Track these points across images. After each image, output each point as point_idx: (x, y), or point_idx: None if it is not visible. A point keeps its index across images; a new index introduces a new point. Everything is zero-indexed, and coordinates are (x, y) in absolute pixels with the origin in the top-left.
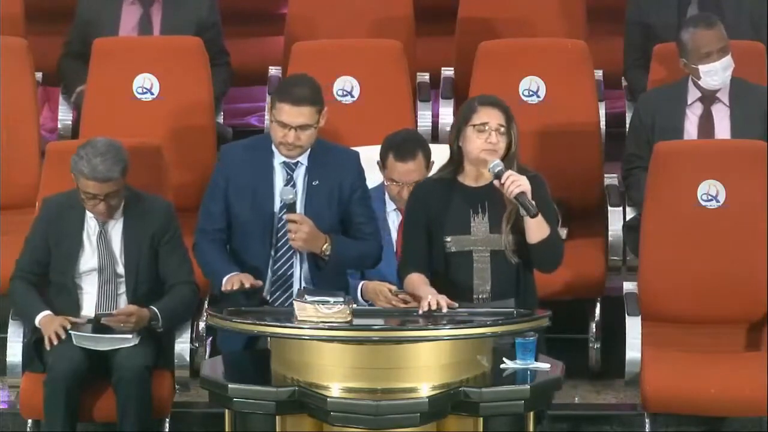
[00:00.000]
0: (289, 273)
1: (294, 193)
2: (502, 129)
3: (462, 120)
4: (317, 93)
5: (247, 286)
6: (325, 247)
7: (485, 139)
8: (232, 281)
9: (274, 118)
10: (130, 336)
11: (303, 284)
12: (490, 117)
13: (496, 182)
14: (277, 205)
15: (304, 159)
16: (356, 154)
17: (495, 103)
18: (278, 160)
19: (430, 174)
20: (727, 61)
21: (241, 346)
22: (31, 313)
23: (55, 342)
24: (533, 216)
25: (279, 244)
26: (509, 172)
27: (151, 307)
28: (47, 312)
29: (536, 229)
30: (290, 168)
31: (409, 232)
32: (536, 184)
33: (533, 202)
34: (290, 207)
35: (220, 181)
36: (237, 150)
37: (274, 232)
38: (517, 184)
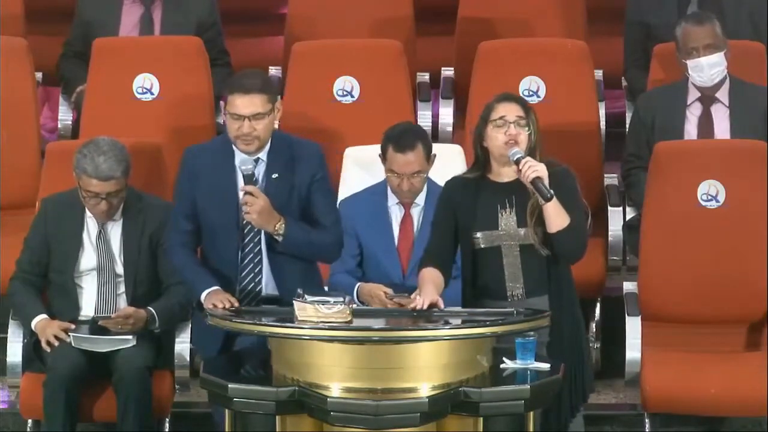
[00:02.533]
0: (257, 269)
1: (253, 164)
2: (522, 121)
3: (482, 121)
4: (268, 83)
5: (236, 305)
6: (278, 226)
7: (505, 132)
8: (220, 300)
9: (228, 112)
10: (128, 337)
11: (272, 282)
12: (507, 110)
13: (514, 168)
14: (238, 208)
15: (263, 155)
16: (317, 146)
17: (511, 98)
18: (239, 158)
19: (429, 169)
20: (715, 58)
21: (218, 349)
22: (28, 316)
23: (55, 343)
24: (547, 200)
25: (245, 241)
26: (527, 158)
27: (149, 308)
28: (43, 316)
29: (555, 217)
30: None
31: (435, 228)
32: (563, 175)
33: (549, 188)
34: (248, 179)
35: (185, 183)
36: (198, 152)
37: (240, 231)
38: (533, 169)
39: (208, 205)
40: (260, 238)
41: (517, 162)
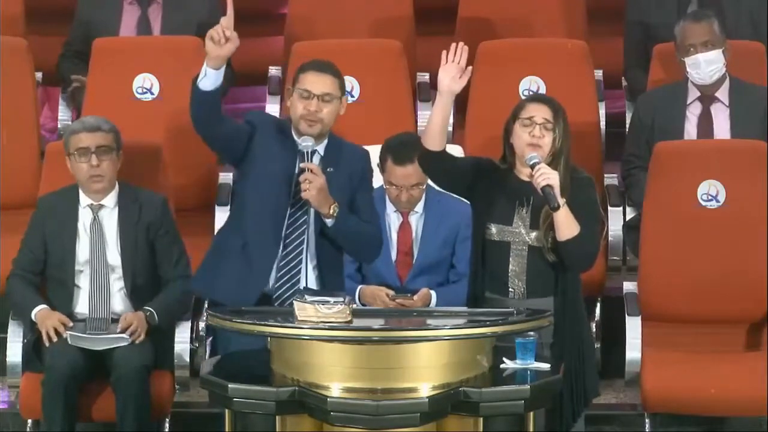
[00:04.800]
0: (298, 259)
1: (312, 142)
2: (549, 125)
3: (511, 117)
4: (339, 71)
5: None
6: (332, 208)
7: (529, 132)
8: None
9: (297, 89)
10: (126, 335)
11: (313, 265)
12: (536, 111)
13: (527, 172)
14: (290, 192)
15: (321, 149)
16: (366, 150)
17: (543, 99)
18: (298, 147)
19: (427, 179)
20: (713, 56)
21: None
22: (28, 307)
23: (54, 338)
24: (554, 209)
25: (292, 220)
26: (542, 164)
27: (145, 307)
28: (43, 306)
29: (563, 226)
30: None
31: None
32: (582, 185)
33: (558, 197)
34: (307, 156)
35: (247, 125)
36: (270, 121)
37: (290, 209)
38: (545, 176)
39: (261, 170)
40: (307, 218)
41: (532, 167)
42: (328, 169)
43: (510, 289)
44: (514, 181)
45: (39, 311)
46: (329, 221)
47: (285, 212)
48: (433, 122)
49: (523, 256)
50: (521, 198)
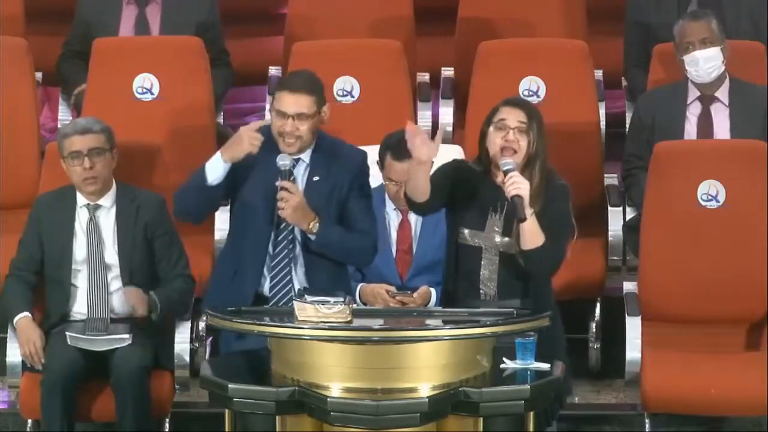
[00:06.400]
0: (289, 266)
1: (291, 161)
2: (522, 127)
3: (486, 121)
4: (316, 85)
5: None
6: (312, 224)
7: (502, 136)
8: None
9: (273, 108)
10: (125, 336)
11: (304, 280)
12: (509, 115)
13: (499, 179)
14: (274, 207)
15: (306, 157)
16: (362, 153)
17: (517, 103)
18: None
19: None
20: (711, 53)
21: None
22: (13, 312)
23: (35, 361)
24: (520, 221)
25: (279, 238)
26: (514, 173)
27: (151, 293)
28: (25, 314)
29: (528, 236)
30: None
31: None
32: (557, 192)
33: (526, 208)
34: (285, 174)
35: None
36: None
37: (274, 226)
38: (516, 186)
39: (248, 194)
40: (294, 236)
41: (505, 173)
42: (314, 179)
43: (481, 292)
44: (488, 185)
45: (19, 320)
46: (311, 236)
47: (270, 229)
48: (419, 183)
49: (494, 261)
50: (495, 204)
